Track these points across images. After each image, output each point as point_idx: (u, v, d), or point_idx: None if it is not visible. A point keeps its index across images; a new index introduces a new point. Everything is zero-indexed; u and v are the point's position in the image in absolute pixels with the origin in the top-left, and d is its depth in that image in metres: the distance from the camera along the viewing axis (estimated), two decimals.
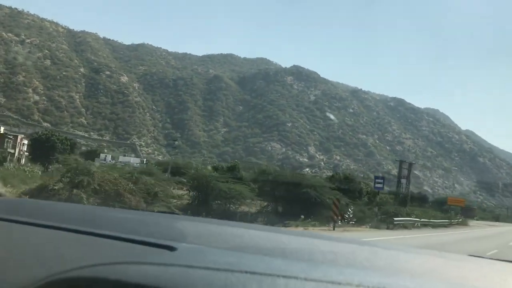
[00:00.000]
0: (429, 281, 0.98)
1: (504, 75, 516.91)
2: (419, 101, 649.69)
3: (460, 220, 46.93)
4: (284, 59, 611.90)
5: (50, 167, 38.43)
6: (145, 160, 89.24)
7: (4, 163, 36.47)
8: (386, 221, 27.13)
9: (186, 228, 1.45)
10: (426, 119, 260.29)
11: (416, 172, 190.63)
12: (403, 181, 51.38)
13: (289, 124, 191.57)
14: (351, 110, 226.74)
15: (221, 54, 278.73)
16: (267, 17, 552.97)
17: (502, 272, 1.22)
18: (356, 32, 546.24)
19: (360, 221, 25.97)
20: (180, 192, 22.88)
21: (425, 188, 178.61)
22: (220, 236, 1.32)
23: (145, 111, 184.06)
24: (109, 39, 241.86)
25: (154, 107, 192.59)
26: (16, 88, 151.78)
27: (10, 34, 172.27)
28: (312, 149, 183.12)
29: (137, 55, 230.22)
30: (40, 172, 32.05)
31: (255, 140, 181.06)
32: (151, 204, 14.83)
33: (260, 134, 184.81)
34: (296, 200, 24.89)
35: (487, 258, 1.52)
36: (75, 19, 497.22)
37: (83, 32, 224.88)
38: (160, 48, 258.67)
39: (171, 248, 1.05)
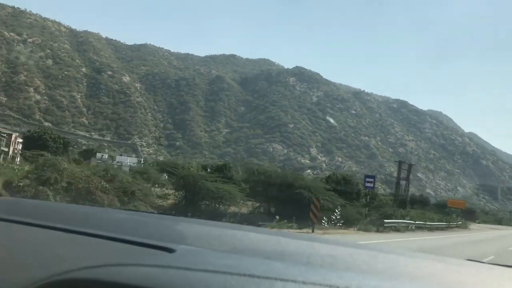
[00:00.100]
0: (428, 286, 0.98)
1: (508, 77, 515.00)
2: (422, 103, 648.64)
3: (460, 223, 45.86)
4: (287, 60, 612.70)
5: None
6: (142, 160, 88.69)
7: None
8: (375, 223, 25.83)
9: (185, 230, 1.44)
10: (429, 121, 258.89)
11: (418, 174, 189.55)
12: (403, 182, 50.51)
13: (291, 125, 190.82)
14: (353, 112, 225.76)
15: (223, 54, 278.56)
16: (269, 18, 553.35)
17: (500, 277, 1.23)
18: (358, 33, 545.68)
19: (349, 223, 24.95)
20: (167, 191, 22.14)
21: (428, 190, 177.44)
22: (219, 239, 1.32)
23: (147, 111, 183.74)
24: (112, 39, 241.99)
25: (155, 107, 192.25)
26: (18, 87, 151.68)
27: (12, 34, 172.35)
28: (314, 151, 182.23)
29: (139, 55, 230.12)
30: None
31: (257, 141, 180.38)
32: (128, 203, 14.14)
33: (262, 135, 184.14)
34: (289, 201, 24.13)
35: (486, 263, 1.51)
36: (77, 19, 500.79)
37: (85, 32, 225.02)
38: (163, 48, 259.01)
39: (169, 250, 1.05)
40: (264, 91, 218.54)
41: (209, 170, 28.30)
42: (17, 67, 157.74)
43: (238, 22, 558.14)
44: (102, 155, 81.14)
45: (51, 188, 12.72)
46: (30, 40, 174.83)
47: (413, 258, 1.30)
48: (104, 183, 14.10)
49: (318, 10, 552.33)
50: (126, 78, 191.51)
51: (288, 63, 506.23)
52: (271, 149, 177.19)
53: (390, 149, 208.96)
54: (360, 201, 38.44)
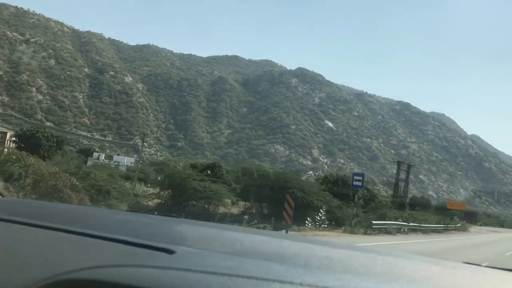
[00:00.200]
0: None
1: (511, 79, 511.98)
2: (425, 105, 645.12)
3: (459, 225, 44.91)
4: (289, 61, 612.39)
5: None
6: (140, 160, 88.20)
7: None
8: (363, 224, 24.56)
9: (185, 231, 1.44)
10: (432, 123, 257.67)
11: (421, 176, 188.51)
12: (401, 184, 49.82)
13: (293, 127, 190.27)
14: (355, 113, 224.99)
15: (226, 55, 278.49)
16: (272, 19, 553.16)
17: (496, 280, 1.23)
18: (361, 35, 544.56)
19: (339, 224, 24.14)
20: (151, 191, 21.57)
21: (430, 192, 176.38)
22: (220, 240, 1.32)
23: (149, 111, 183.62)
24: (114, 40, 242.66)
25: (157, 107, 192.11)
26: (20, 87, 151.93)
27: (15, 33, 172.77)
28: (316, 152, 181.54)
29: (142, 56, 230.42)
30: None
31: (259, 142, 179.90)
32: (100, 203, 13.61)
33: (263, 136, 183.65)
34: (282, 202, 23.52)
35: (482, 266, 1.51)
36: (80, 19, 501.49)
37: (88, 32, 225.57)
38: (165, 49, 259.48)
39: (170, 251, 1.05)
40: (266, 92, 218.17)
41: (198, 169, 27.76)
42: (20, 67, 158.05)
43: (241, 23, 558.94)
44: (99, 154, 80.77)
45: (16, 184, 12.26)
46: (32, 40, 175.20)
47: (411, 260, 1.30)
48: (75, 180, 13.59)
49: (321, 12, 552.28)
50: (128, 79, 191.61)
51: (290, 64, 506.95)
52: (273, 150, 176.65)
53: (392, 151, 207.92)
54: (357, 202, 37.69)
